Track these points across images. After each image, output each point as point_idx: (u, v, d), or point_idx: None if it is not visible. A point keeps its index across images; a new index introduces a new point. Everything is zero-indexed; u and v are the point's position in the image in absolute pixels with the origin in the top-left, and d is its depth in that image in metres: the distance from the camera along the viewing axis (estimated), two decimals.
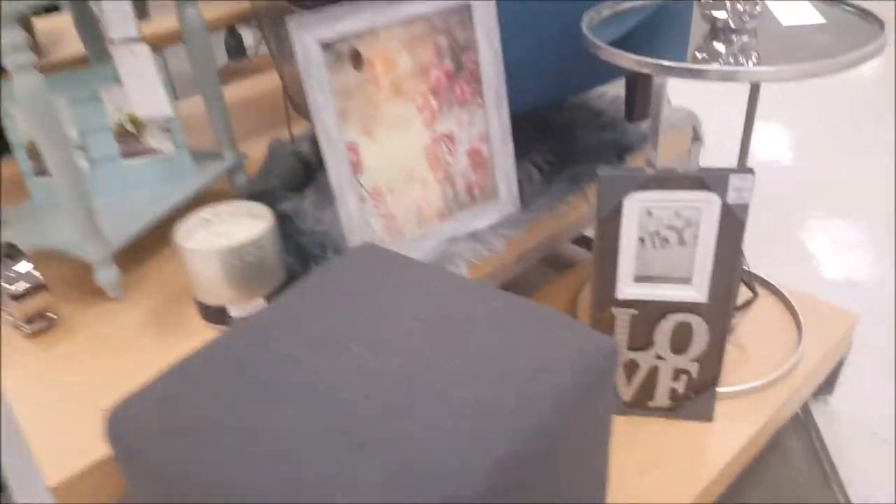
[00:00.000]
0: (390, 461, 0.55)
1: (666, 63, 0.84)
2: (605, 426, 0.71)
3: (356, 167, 0.94)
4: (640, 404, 1.06)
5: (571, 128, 1.30)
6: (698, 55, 0.93)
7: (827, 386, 1.33)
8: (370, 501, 0.52)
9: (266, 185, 1.18)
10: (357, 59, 0.90)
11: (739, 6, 0.90)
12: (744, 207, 0.88)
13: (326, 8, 0.85)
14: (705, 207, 0.89)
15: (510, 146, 1.05)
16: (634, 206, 0.91)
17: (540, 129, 1.30)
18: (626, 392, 1.05)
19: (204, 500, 0.56)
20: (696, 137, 1.39)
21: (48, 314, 0.96)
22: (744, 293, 1.26)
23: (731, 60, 0.90)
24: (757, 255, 1.55)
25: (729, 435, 1.02)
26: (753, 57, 0.91)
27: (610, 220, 0.93)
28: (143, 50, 0.93)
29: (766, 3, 1.05)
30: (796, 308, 1.24)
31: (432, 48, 0.94)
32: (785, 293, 1.27)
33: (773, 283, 1.30)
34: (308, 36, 0.84)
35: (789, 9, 1.04)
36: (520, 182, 1.13)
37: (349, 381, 0.64)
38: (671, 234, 0.93)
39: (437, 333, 0.68)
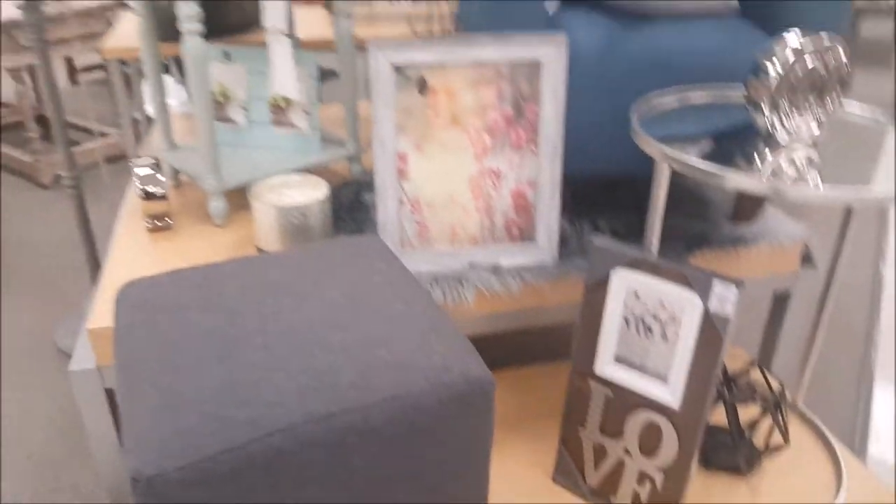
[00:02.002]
0: (250, 380, 0.68)
1: (674, 155, 0.83)
2: (460, 452, 0.75)
3: (402, 174, 1.07)
4: (604, 496, 1.02)
5: (667, 209, 1.27)
6: (763, 163, 0.89)
7: None
8: (215, 389, 0.66)
9: (368, 178, 1.36)
10: (423, 86, 1.03)
11: (786, 115, 0.85)
12: (725, 320, 0.83)
13: (406, 41, 0.99)
14: (688, 307, 0.85)
15: (557, 198, 1.09)
16: (621, 281, 0.90)
17: (635, 199, 1.30)
18: (593, 477, 1.02)
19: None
20: (808, 260, 1.26)
21: (166, 219, 1.25)
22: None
23: (790, 173, 0.85)
24: None
25: None
26: (809, 172, 0.84)
27: (597, 289, 0.93)
28: (285, 41, 1.17)
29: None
30: (844, 479, 1.07)
31: (495, 92, 1.04)
32: (840, 458, 1.10)
33: (833, 441, 1.13)
34: (382, 57, 1.00)
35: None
36: (568, 237, 1.15)
37: (267, 319, 0.77)
38: (655, 325, 0.90)
39: (350, 315, 0.79)
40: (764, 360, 1.35)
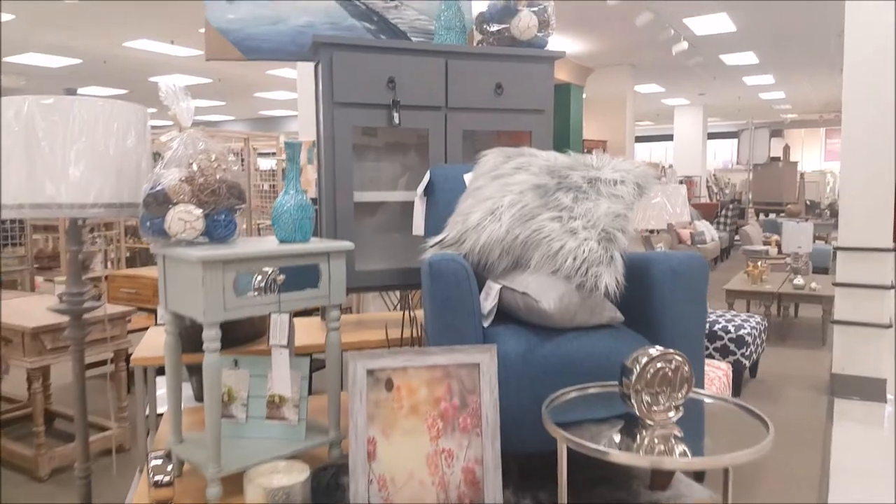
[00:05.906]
0: None
1: (570, 437, 1.11)
2: None
3: (371, 456, 1.32)
4: None
5: (596, 482, 1.51)
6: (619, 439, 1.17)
7: None
8: None
9: (346, 461, 1.60)
10: (389, 384, 1.34)
11: (648, 403, 1.15)
12: None
13: (377, 351, 1.34)
14: None
15: (499, 473, 1.33)
16: None
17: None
18: None
19: None
20: None
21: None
22: None
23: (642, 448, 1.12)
24: None
25: None
26: (661, 447, 1.12)
27: None
28: (285, 352, 1.51)
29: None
30: None
31: (445, 387, 1.35)
32: None
33: None
34: (359, 364, 1.33)
35: None
36: None
37: None
38: None
39: None
40: None
